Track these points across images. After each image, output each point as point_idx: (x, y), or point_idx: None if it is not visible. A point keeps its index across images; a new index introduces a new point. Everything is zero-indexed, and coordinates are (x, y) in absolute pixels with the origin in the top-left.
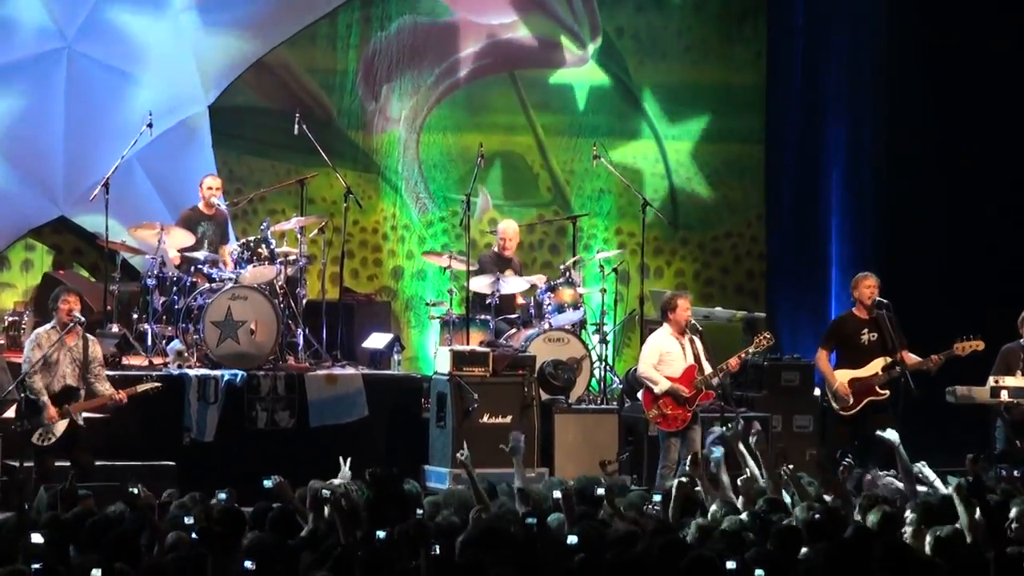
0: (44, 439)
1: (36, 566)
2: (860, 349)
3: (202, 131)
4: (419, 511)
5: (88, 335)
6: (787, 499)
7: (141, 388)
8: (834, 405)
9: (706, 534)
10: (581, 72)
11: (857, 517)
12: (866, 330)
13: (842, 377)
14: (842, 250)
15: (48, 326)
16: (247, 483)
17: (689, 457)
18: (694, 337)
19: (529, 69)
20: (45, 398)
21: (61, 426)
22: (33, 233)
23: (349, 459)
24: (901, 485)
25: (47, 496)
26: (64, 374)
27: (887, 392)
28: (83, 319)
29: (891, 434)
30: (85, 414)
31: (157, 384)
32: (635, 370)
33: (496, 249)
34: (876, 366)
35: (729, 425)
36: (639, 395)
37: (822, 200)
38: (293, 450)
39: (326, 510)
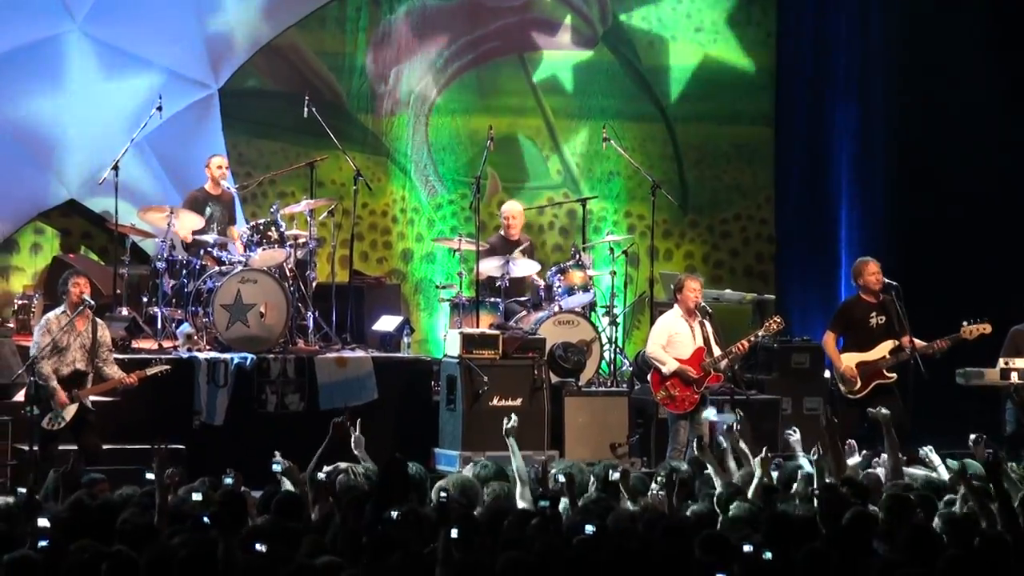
0: (53, 424)
1: (43, 543)
2: (868, 333)
3: (212, 114)
4: (443, 494)
5: (97, 319)
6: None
7: (150, 371)
8: (841, 388)
9: (705, 519)
10: (591, 54)
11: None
12: (874, 314)
13: (849, 360)
14: (851, 232)
15: (58, 310)
16: (257, 466)
17: (695, 440)
18: (704, 320)
19: (539, 51)
20: (54, 383)
21: (71, 411)
22: (42, 216)
23: (359, 420)
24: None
25: (53, 480)
26: (74, 359)
27: (894, 375)
28: (92, 302)
29: (883, 412)
30: (94, 398)
31: (166, 367)
32: (645, 352)
33: (502, 232)
34: (883, 349)
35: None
36: (648, 377)
37: (831, 182)
38: (303, 433)
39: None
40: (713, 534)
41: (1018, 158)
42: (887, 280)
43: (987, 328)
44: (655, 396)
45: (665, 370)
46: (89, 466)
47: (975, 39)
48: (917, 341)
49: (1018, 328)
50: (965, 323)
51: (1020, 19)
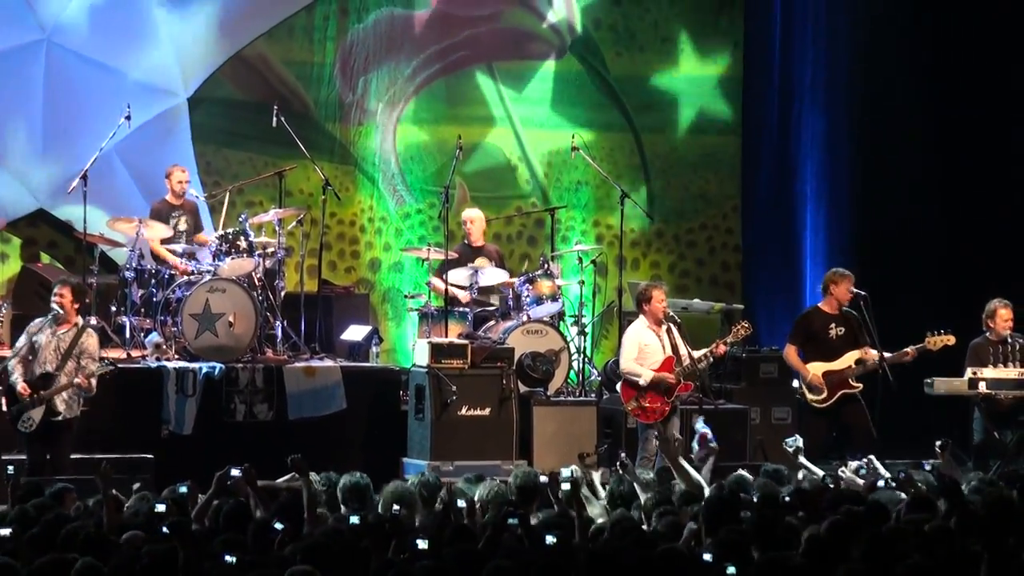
0: (24, 426)
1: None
2: (828, 344)
3: (181, 124)
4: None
5: (90, 327)
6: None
7: (98, 372)
8: (808, 396)
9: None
10: (559, 64)
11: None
12: (833, 324)
13: (816, 370)
14: (817, 242)
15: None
16: None
17: (659, 440)
18: (670, 326)
19: (507, 61)
20: (15, 376)
21: (38, 412)
22: (9, 226)
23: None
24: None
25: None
26: (45, 360)
27: (860, 385)
28: (60, 312)
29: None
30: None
31: (111, 367)
32: (614, 362)
33: (465, 240)
34: (849, 359)
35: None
36: (618, 387)
37: (797, 192)
38: (272, 443)
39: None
40: (673, 548)
41: (984, 168)
42: (855, 289)
43: (951, 339)
44: (626, 407)
45: (642, 382)
46: (55, 475)
47: (943, 46)
48: (874, 353)
49: (977, 341)
50: (929, 334)
51: (988, 24)
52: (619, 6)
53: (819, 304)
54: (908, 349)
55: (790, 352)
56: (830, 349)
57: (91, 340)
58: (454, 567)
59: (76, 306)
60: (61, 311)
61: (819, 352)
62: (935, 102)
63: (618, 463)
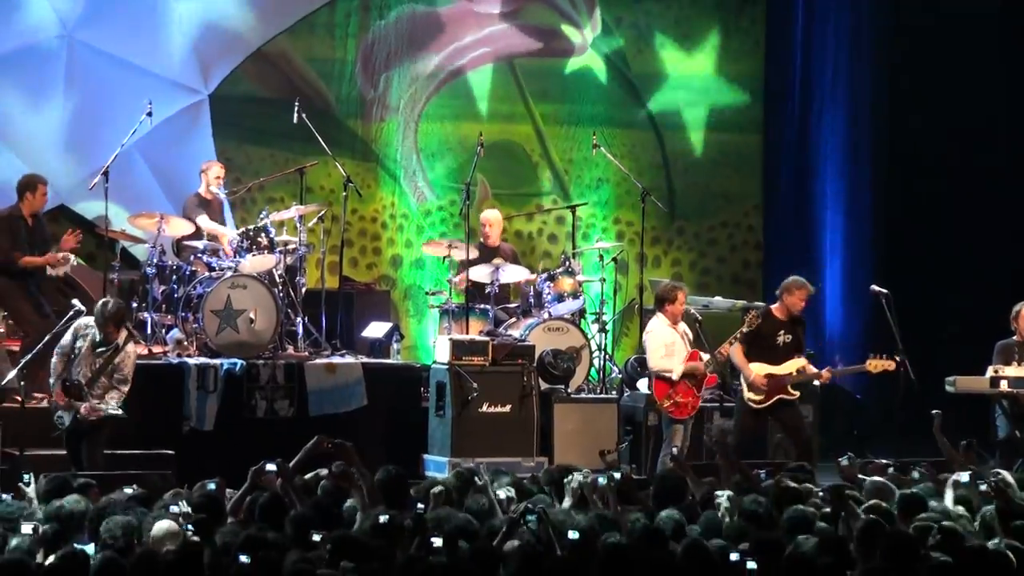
0: (60, 423)
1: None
2: (774, 349)
3: (202, 120)
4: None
5: (128, 347)
6: None
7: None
8: (747, 394)
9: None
10: (580, 61)
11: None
12: (782, 331)
13: (759, 370)
14: (837, 239)
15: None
16: (246, 472)
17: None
18: (685, 324)
19: (528, 58)
20: (52, 379)
21: (68, 415)
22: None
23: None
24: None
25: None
26: (80, 371)
27: (798, 392)
28: (81, 317)
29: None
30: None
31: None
32: (635, 359)
33: (481, 239)
34: (791, 366)
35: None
36: (646, 385)
37: (818, 190)
38: (292, 439)
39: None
40: (695, 542)
41: (1004, 167)
42: (877, 288)
43: (891, 365)
44: (660, 404)
45: (675, 376)
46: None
47: (964, 49)
48: (814, 369)
49: (1004, 342)
50: (872, 356)
51: (1010, 27)
52: (641, 4)
53: (771, 307)
54: (824, 372)
55: (737, 352)
56: (775, 354)
57: (128, 361)
58: (470, 564)
59: (123, 327)
60: (84, 327)
61: (763, 355)
62: (957, 100)
63: (668, 456)
